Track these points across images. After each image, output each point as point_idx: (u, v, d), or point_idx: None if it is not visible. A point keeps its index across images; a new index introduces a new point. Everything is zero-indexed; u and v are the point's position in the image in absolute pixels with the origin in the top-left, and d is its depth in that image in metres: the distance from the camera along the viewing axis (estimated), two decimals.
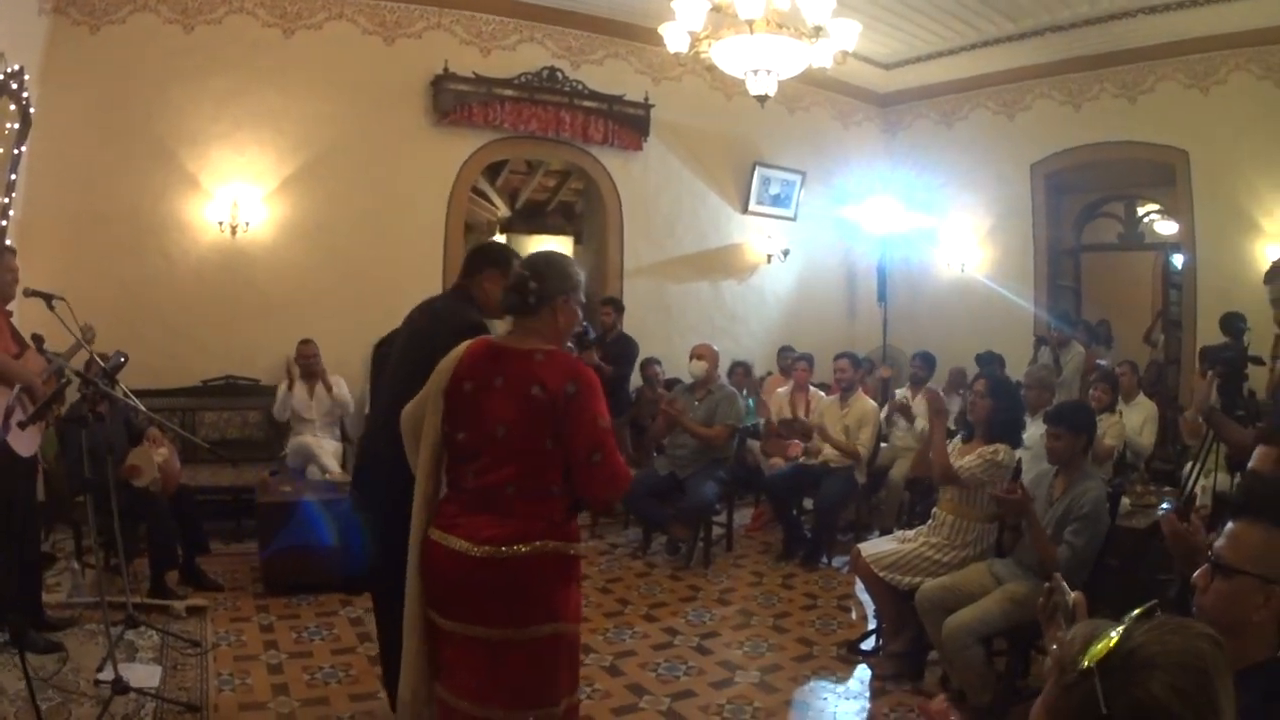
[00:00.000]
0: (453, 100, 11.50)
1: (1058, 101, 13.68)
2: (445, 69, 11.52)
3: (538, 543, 3.75)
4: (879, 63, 14.37)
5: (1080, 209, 15.16)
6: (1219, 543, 2.70)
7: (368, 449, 5.55)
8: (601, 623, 7.50)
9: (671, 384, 11.33)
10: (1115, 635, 1.59)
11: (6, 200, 9.02)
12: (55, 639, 6.49)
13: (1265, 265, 10.90)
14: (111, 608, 6.26)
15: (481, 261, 5.39)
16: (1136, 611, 1.66)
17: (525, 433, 3.77)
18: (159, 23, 10.62)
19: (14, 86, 8.70)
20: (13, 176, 9.05)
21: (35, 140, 9.27)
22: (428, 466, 3.96)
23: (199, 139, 10.71)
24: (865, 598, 7.62)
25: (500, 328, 4.33)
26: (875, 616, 7.15)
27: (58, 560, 8.31)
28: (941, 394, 7.51)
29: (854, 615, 7.99)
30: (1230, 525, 2.69)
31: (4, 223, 8.94)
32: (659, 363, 11.90)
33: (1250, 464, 4.27)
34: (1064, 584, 2.83)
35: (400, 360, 5.16)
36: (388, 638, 5.10)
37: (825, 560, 9.38)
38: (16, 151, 9.09)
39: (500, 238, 18.22)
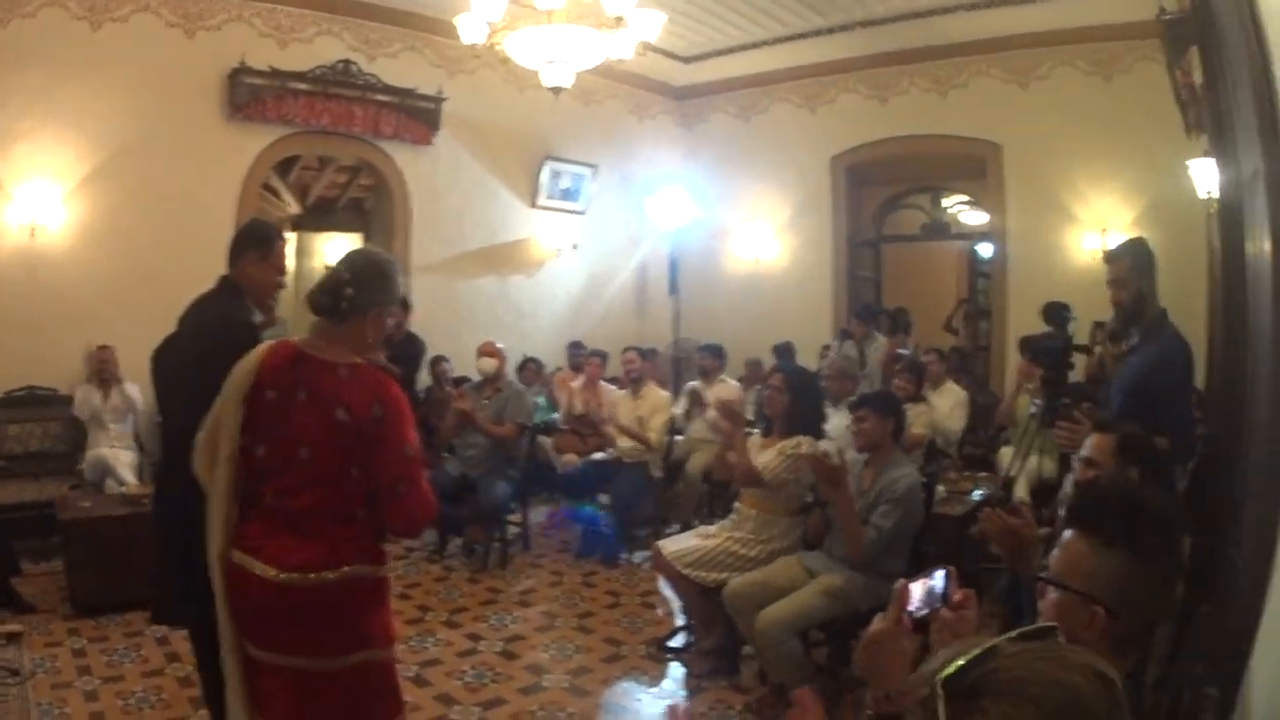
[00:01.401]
0: (247, 94, 11.27)
1: (863, 95, 13.91)
2: (242, 62, 11.28)
3: (346, 568, 3.56)
4: (678, 56, 14.44)
5: (883, 201, 15.35)
6: (1054, 551, 2.70)
7: (162, 466, 5.28)
8: (403, 630, 7.26)
9: (460, 382, 11.18)
10: (974, 653, 1.38)
11: None
12: None
13: (1081, 254, 11.68)
14: None
15: (243, 244, 4.99)
16: (1023, 630, 1.48)
17: (329, 457, 3.56)
18: None
19: None
20: None
21: None
22: (224, 483, 3.67)
23: (4, 137, 10.35)
24: (670, 594, 7.62)
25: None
26: (683, 613, 7.16)
27: None
28: (736, 403, 7.69)
29: (660, 612, 7.95)
30: (1065, 533, 2.58)
31: None
32: (448, 360, 11.76)
33: (1084, 452, 4.33)
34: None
35: (174, 369, 4.91)
36: (206, 671, 4.58)
37: (625, 556, 9.40)
38: None
39: (291, 235, 17.99)
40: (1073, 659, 1.38)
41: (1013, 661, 1.37)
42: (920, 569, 2.75)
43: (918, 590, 2.46)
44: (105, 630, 7.32)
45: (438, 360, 11.60)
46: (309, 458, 3.56)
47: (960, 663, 1.36)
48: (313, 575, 3.51)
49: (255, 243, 4.99)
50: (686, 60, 14.69)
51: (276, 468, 3.62)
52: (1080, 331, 8.07)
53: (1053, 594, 2.54)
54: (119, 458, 9.73)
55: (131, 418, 10.12)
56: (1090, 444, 4.27)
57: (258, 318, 4.88)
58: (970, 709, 1.33)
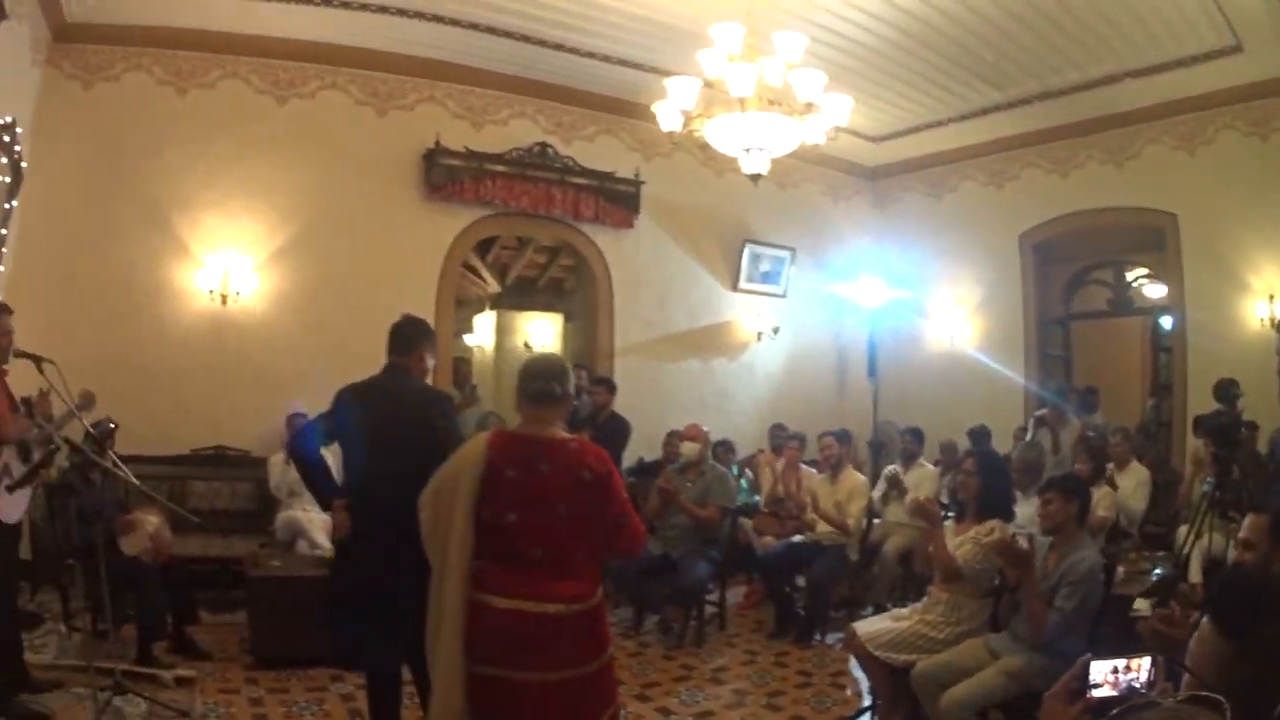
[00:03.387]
0: (444, 175, 11.57)
1: (1045, 170, 13.74)
2: (437, 143, 11.57)
3: (593, 599, 4.50)
4: (868, 136, 14.32)
5: (1069, 277, 15.13)
6: (1192, 639, 2.67)
7: (355, 527, 5.56)
8: None
9: (651, 465, 11.39)
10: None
11: None
12: (39, 704, 6.42)
13: (1255, 324, 11.18)
14: (99, 673, 6.35)
15: (422, 338, 5.99)
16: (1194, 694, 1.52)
17: (582, 509, 4.45)
18: (152, 83, 10.77)
19: (5, 139, 8.75)
20: (2, 231, 9.12)
21: (26, 195, 9.37)
22: (462, 541, 4.38)
23: (192, 205, 10.79)
24: (859, 674, 7.54)
25: None
26: (870, 693, 7.08)
27: (44, 621, 8.30)
28: (931, 498, 7.74)
29: (848, 692, 7.90)
30: (1203, 620, 2.65)
31: None
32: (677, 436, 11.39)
33: (1241, 533, 4.26)
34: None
35: (388, 438, 5.47)
36: (390, 709, 5.61)
37: (819, 637, 9.30)
38: (7, 206, 9.14)
39: (490, 314, 18.25)
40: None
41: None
42: (1098, 649, 2.69)
43: (1101, 669, 2.42)
44: (285, 683, 7.50)
45: (672, 437, 11.45)
46: (565, 513, 4.43)
47: None
48: (579, 605, 4.42)
49: (431, 339, 6.16)
50: (876, 140, 14.62)
51: (532, 528, 4.43)
52: (1256, 408, 7.85)
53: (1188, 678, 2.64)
54: (313, 521, 9.74)
55: None
56: (1247, 524, 4.38)
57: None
58: None
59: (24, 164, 9.28)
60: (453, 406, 6.14)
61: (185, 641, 8.04)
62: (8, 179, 9.10)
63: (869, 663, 6.60)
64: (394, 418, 5.56)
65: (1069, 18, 10.22)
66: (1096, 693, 2.45)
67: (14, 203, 9.31)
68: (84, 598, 7.06)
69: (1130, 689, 2.45)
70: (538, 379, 4.65)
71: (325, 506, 5.87)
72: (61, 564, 8.18)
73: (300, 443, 5.97)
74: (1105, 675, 2.46)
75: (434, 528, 4.52)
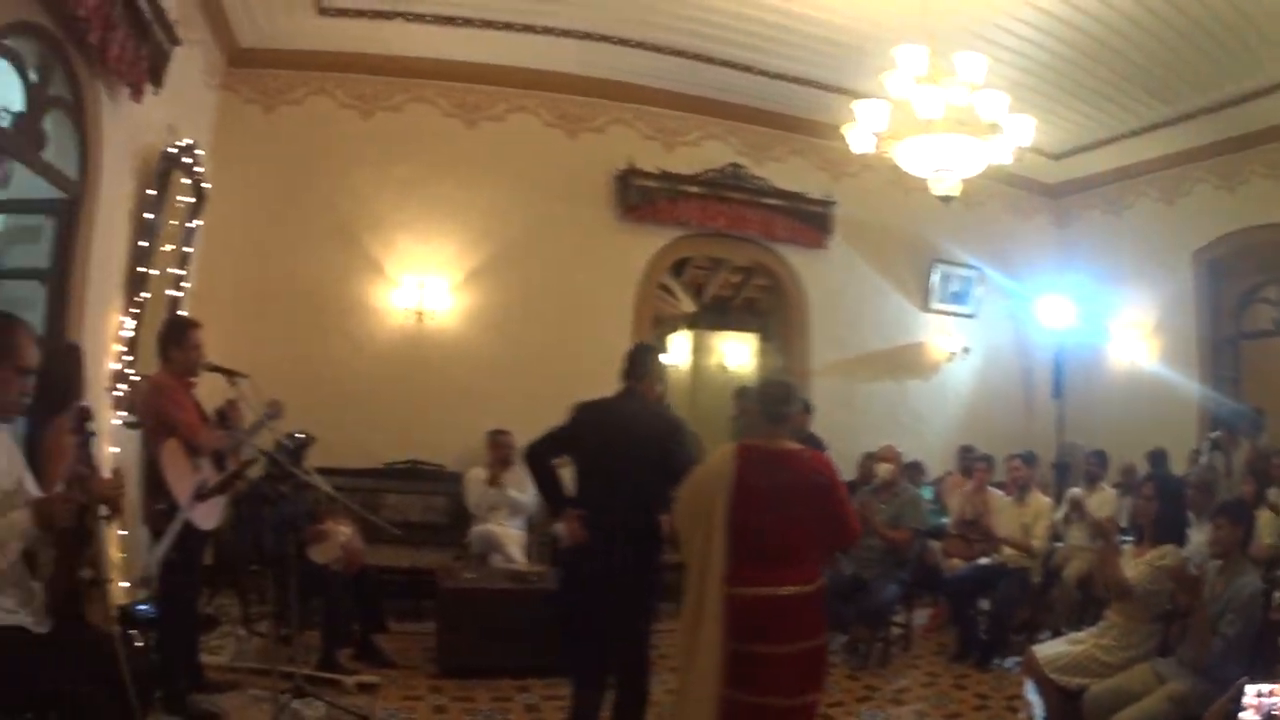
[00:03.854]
0: (639, 196, 11.84)
1: (1214, 185, 13.54)
2: (630, 164, 11.81)
3: (818, 582, 5.41)
4: (1048, 153, 14.25)
5: (1238, 295, 14.92)
6: None
7: (598, 544, 6.02)
8: None
9: (853, 486, 11.30)
10: None
11: (182, 272, 9.49)
12: (211, 703, 6.72)
13: None
14: (280, 676, 6.73)
15: (652, 364, 6.55)
16: None
17: (815, 509, 5.39)
18: (335, 106, 11.29)
19: (187, 161, 9.22)
20: (187, 250, 9.59)
21: (209, 214, 9.82)
22: (721, 543, 5.24)
23: (383, 225, 11.25)
24: (1034, 698, 7.43)
25: None
26: (1043, 717, 7.10)
27: (221, 624, 8.68)
28: (1110, 518, 7.85)
29: (1021, 716, 7.87)
30: None
31: (179, 294, 9.36)
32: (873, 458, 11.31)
33: None
34: None
35: (621, 460, 6.05)
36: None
37: (998, 661, 9.30)
38: (190, 225, 9.63)
39: (686, 334, 18.34)
40: None
41: None
42: (1254, 674, 2.77)
43: (1253, 693, 2.51)
44: (471, 691, 7.73)
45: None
46: (802, 514, 5.36)
47: None
48: (809, 588, 5.34)
49: (660, 367, 6.78)
50: (1056, 157, 14.57)
51: (776, 528, 5.31)
52: None
53: None
54: (509, 535, 10.05)
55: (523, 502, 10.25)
56: None
57: None
58: None
59: (206, 185, 9.73)
60: (686, 433, 6.57)
61: (371, 649, 8.37)
62: (192, 199, 9.57)
63: (1045, 686, 6.71)
64: (627, 439, 6.09)
65: (1224, 29, 10.25)
66: (1242, 716, 2.54)
67: (198, 222, 9.81)
68: (268, 602, 7.36)
69: (1269, 714, 2.53)
70: (777, 402, 5.56)
71: (555, 515, 6.58)
72: (244, 569, 8.62)
73: (536, 450, 6.33)
74: (1252, 699, 2.55)
75: (691, 534, 5.45)
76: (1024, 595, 9.74)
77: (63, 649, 4.03)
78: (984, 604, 9.91)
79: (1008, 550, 9.86)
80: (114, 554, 6.07)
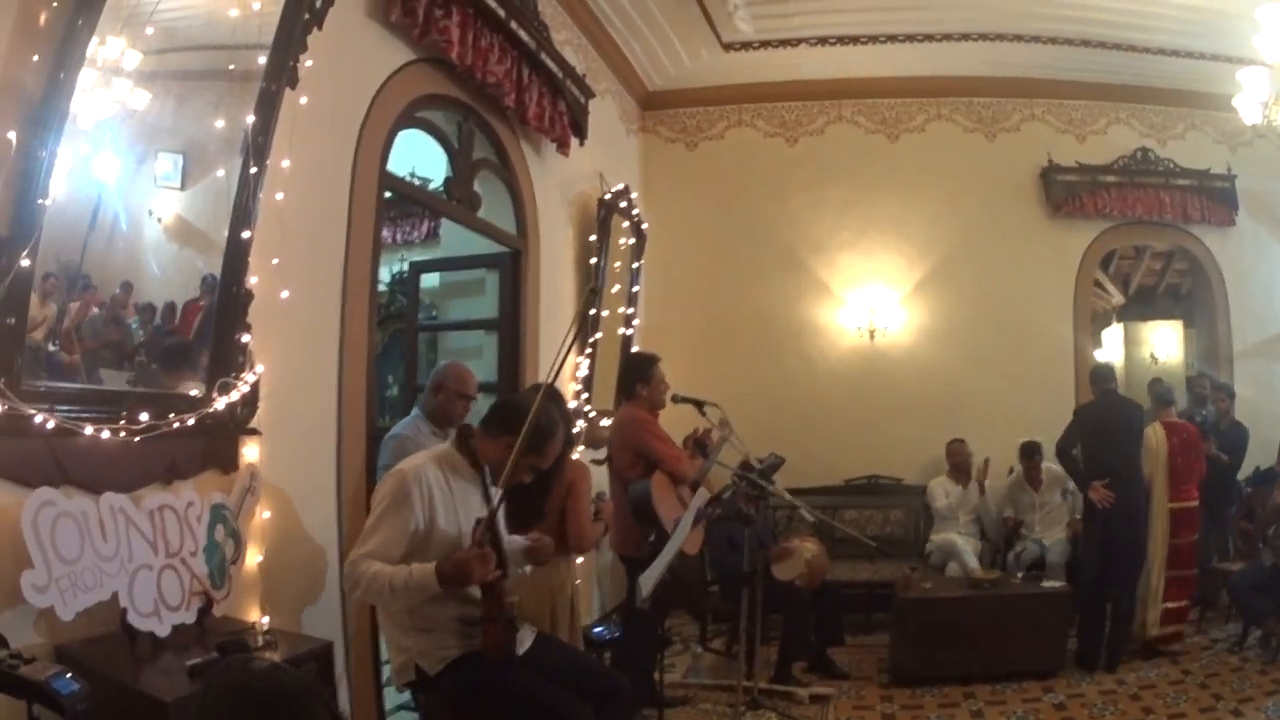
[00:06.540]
0: (1063, 191, 11.67)
1: None
2: (1050, 161, 11.71)
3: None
4: None
5: None
6: None
7: (1117, 525, 8.60)
8: (1197, 718, 7.33)
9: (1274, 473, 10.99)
10: None
11: (630, 311, 10.10)
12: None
13: None
14: (733, 691, 7.21)
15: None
16: None
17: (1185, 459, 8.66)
18: (759, 137, 11.70)
19: (623, 204, 9.78)
20: (636, 289, 10.13)
21: (649, 252, 10.40)
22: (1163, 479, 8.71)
23: (825, 246, 11.57)
24: None
25: None
26: None
27: (673, 643, 9.14)
28: None
29: None
30: None
31: (630, 332, 9.95)
32: None
33: None
34: None
35: (1124, 439, 8.75)
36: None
37: None
38: (634, 266, 10.18)
39: (1116, 327, 18.07)
40: None
41: None
42: None
43: None
44: (920, 699, 7.91)
45: None
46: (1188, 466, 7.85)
47: None
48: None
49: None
50: None
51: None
52: None
53: None
54: (967, 543, 10.22)
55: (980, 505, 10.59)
56: None
57: None
58: None
59: (644, 225, 10.14)
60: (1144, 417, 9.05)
61: (824, 662, 8.63)
62: (632, 240, 10.01)
63: None
64: (1120, 428, 8.79)
65: None
66: None
67: (641, 261, 10.33)
68: (745, 622, 7.30)
69: None
70: (1164, 392, 9.16)
71: (1082, 488, 8.79)
72: (701, 589, 9.08)
73: (1061, 446, 8.90)
74: None
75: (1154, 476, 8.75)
76: None
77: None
78: None
79: None
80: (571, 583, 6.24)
